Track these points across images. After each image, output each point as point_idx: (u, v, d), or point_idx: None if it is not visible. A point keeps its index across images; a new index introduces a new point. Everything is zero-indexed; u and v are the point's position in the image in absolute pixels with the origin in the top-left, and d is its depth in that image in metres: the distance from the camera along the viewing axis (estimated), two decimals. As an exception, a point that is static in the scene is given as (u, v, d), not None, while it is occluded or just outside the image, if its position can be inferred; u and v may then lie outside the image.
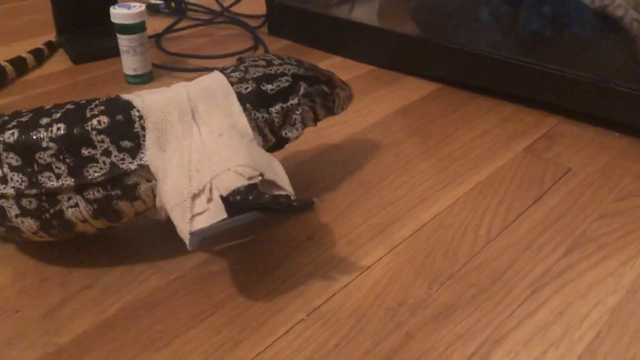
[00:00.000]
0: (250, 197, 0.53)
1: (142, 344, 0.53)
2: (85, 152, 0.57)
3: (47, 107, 0.61)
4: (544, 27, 0.94)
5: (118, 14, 0.98)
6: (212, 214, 0.53)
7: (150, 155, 0.57)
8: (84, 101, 0.60)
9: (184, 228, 0.53)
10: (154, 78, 1.05)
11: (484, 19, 1.00)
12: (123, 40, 1.00)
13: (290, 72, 0.66)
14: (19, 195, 0.57)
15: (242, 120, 0.61)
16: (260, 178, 0.55)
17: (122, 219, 0.60)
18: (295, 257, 0.63)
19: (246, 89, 0.63)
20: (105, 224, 0.60)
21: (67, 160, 0.57)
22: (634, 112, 0.83)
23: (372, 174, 0.78)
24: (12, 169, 0.57)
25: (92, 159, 0.57)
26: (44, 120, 0.57)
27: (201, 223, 0.52)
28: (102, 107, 0.58)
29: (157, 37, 1.21)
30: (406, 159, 0.81)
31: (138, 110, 0.58)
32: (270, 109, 0.64)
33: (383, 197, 0.73)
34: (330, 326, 0.55)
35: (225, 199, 0.53)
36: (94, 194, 0.57)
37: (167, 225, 0.64)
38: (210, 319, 0.56)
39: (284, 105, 0.65)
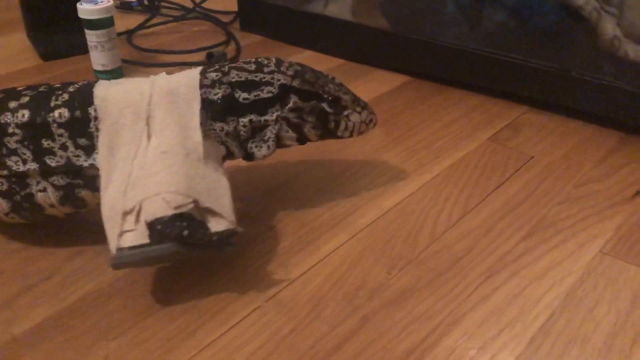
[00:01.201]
0: (167, 230, 0.51)
1: (99, 332, 0.53)
2: (45, 143, 0.58)
3: (20, 88, 0.61)
4: (508, 18, 0.95)
5: (85, 9, 0.97)
6: (137, 236, 0.52)
7: (100, 158, 0.57)
8: (58, 85, 0.60)
9: (113, 242, 0.53)
10: (125, 74, 1.05)
11: (451, 11, 1.01)
12: (91, 36, 1.00)
13: (279, 83, 0.61)
14: None
15: (196, 136, 0.57)
16: (191, 206, 0.53)
17: (87, 206, 0.60)
18: (255, 246, 0.64)
19: (216, 94, 0.59)
20: (71, 210, 0.60)
21: (31, 147, 0.57)
22: (596, 100, 0.84)
23: (337, 165, 0.78)
24: None
25: (51, 151, 0.58)
26: (12, 104, 0.58)
27: (128, 241, 0.52)
28: (67, 97, 0.58)
29: (129, 34, 1.21)
30: (371, 149, 0.82)
31: (95, 110, 0.58)
32: (239, 120, 0.60)
33: (346, 187, 0.74)
34: (287, 312, 0.55)
35: (149, 226, 0.52)
36: (59, 180, 0.58)
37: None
38: (168, 308, 0.56)
39: (255, 119, 0.61)
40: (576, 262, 0.61)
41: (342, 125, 0.65)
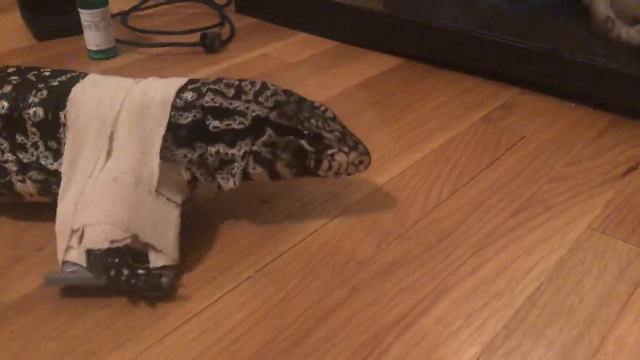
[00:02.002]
0: (97, 264, 0.51)
1: (88, 301, 0.54)
2: (18, 138, 0.58)
3: (10, 70, 0.61)
4: (501, 0, 0.95)
5: (79, -13, 0.97)
6: (79, 256, 0.53)
7: (64, 166, 0.57)
8: (46, 74, 0.60)
9: (60, 254, 0.54)
10: (119, 54, 1.05)
11: (445, -7, 1.01)
12: (84, 15, 1.00)
13: (253, 114, 0.56)
14: None
15: (153, 164, 0.55)
16: (128, 241, 0.52)
17: None
18: (248, 219, 0.64)
19: (186, 118, 0.56)
20: (51, 200, 0.60)
21: (8, 139, 0.58)
22: (588, 82, 0.84)
23: (329, 142, 0.78)
24: None
25: (23, 147, 0.58)
26: None
27: (72, 257, 0.53)
28: (45, 94, 0.58)
29: (124, 15, 1.21)
30: (364, 128, 0.82)
31: (65, 116, 0.57)
32: (208, 148, 0.57)
33: (338, 163, 0.74)
34: (277, 282, 0.56)
35: (87, 253, 0.52)
36: (36, 175, 0.59)
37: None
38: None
39: (222, 151, 0.57)
40: (565, 237, 0.62)
41: (325, 164, 0.58)
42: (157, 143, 0.56)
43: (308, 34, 1.15)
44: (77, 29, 1.08)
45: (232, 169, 0.58)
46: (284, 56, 1.05)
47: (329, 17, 1.10)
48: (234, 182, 0.58)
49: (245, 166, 0.58)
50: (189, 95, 0.57)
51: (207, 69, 1.00)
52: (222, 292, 0.55)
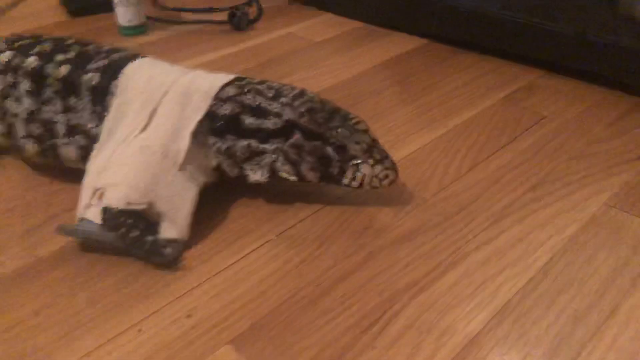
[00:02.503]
0: (110, 222, 0.54)
1: (118, 257, 0.56)
2: (71, 100, 0.62)
3: (71, 41, 0.65)
4: (527, -18, 0.95)
5: (111, -36, 1.00)
6: (96, 214, 0.55)
7: (103, 131, 0.60)
8: (104, 48, 0.64)
9: (80, 209, 0.56)
10: (148, 30, 1.07)
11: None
12: (116, -9, 1.02)
13: (286, 118, 0.59)
14: (28, 118, 0.62)
15: (183, 143, 0.58)
16: (143, 207, 0.54)
17: None
18: (269, 188, 0.66)
19: (225, 110, 0.59)
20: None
21: (62, 101, 0.62)
22: (612, 64, 0.84)
23: (351, 117, 0.80)
24: (26, 93, 0.62)
25: (75, 109, 0.62)
26: (59, 57, 0.63)
27: (89, 214, 0.56)
28: (104, 64, 0.62)
29: (154, -6, 1.23)
30: (385, 106, 0.83)
31: (116, 86, 0.61)
32: (238, 142, 0.60)
33: (360, 138, 0.75)
34: (296, 246, 0.58)
35: (103, 210, 0.55)
36: (81, 140, 0.62)
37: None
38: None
39: (253, 145, 0.60)
40: (581, 212, 0.63)
41: (349, 173, 0.60)
42: (192, 126, 0.59)
43: (334, 14, 1.16)
44: (108, 6, 1.10)
45: (262, 159, 0.60)
46: (309, 35, 1.07)
47: (354, -3, 1.11)
48: (262, 173, 0.60)
49: (274, 160, 0.60)
50: (231, 90, 0.60)
51: (234, 47, 1.02)
52: (244, 253, 0.57)
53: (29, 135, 0.63)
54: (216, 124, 0.60)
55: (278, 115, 0.59)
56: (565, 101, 0.84)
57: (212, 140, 0.60)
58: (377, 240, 0.59)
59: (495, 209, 0.63)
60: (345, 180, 0.60)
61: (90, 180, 0.58)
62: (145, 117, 0.59)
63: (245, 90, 0.60)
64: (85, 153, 0.62)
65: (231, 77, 0.62)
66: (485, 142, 0.74)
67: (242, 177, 0.61)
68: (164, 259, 0.54)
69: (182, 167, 0.58)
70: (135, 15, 1.04)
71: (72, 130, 0.62)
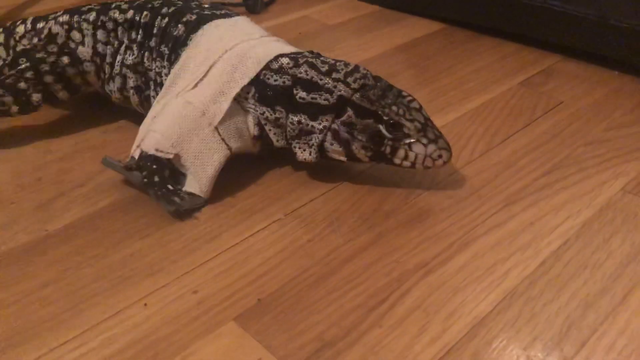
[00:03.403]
0: (138, 163, 0.58)
1: (127, 233, 0.56)
2: (162, 48, 0.66)
3: None
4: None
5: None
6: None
7: (168, 79, 0.63)
8: (206, 5, 0.68)
9: (132, 148, 0.60)
10: (163, 12, 1.07)
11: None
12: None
13: (338, 94, 0.58)
14: (135, 68, 0.68)
15: (223, 105, 0.59)
16: (170, 156, 0.57)
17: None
18: (280, 168, 0.66)
19: (275, 81, 0.60)
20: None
21: (157, 50, 0.66)
22: (634, 49, 0.82)
23: (364, 100, 0.79)
24: (139, 44, 0.68)
25: (162, 55, 0.66)
26: (164, 10, 0.67)
27: (135, 154, 0.59)
28: (193, 18, 0.65)
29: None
30: (400, 88, 0.82)
31: (191, 39, 0.63)
32: (289, 115, 0.60)
33: (373, 120, 0.75)
34: (305, 225, 0.57)
35: (140, 153, 0.58)
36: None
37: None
38: (192, 215, 0.59)
39: (304, 121, 0.59)
40: (596, 197, 0.61)
41: (401, 153, 0.58)
42: (235, 90, 0.60)
43: (350, -2, 1.15)
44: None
45: (310, 139, 0.60)
46: (324, 19, 1.06)
47: (371, -19, 1.10)
48: (310, 152, 0.60)
49: (322, 140, 0.59)
50: (285, 61, 0.60)
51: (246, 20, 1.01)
52: (252, 232, 0.57)
53: (135, 87, 0.68)
54: (266, 93, 0.60)
55: (329, 91, 0.58)
56: (583, 87, 0.83)
57: (259, 108, 0.61)
58: (387, 222, 0.58)
59: (507, 193, 0.62)
60: (397, 160, 0.59)
61: (146, 123, 0.61)
62: (200, 74, 0.61)
63: (300, 62, 0.60)
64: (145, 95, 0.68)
65: (290, 48, 0.63)
66: (500, 127, 0.73)
67: (288, 151, 0.62)
68: (177, 209, 0.57)
69: (218, 128, 0.59)
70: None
71: (158, 79, 0.66)
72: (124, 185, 0.62)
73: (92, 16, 0.69)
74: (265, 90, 0.60)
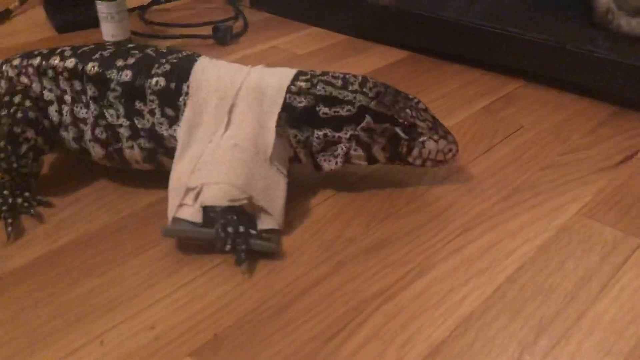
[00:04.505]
0: (218, 220, 0.55)
1: (85, 270, 0.56)
2: (137, 105, 0.62)
3: (131, 45, 0.66)
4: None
5: (96, -20, 1.01)
6: (193, 213, 0.57)
7: (180, 131, 0.61)
8: (164, 51, 0.65)
9: (172, 210, 0.58)
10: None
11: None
12: (101, 7, 1.03)
13: (359, 104, 0.62)
14: (94, 123, 0.63)
15: (269, 137, 0.60)
16: (244, 202, 0.56)
17: (165, 169, 0.64)
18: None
19: (299, 103, 0.62)
20: (153, 168, 0.66)
21: (125, 105, 0.62)
22: (590, 73, 0.85)
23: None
24: (91, 98, 0.63)
25: (140, 113, 0.62)
26: (119, 62, 0.63)
27: (184, 214, 0.57)
28: (168, 68, 0.62)
29: (142, 10, 1.24)
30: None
31: (188, 86, 0.62)
32: (314, 131, 0.63)
33: (336, 149, 0.76)
34: (264, 258, 0.57)
35: (204, 209, 0.56)
36: (144, 143, 0.63)
37: (121, 170, 0.67)
38: (154, 250, 0.59)
39: (329, 134, 0.63)
40: (552, 221, 0.62)
41: (416, 152, 0.63)
42: (273, 119, 0.61)
43: (319, 28, 1.17)
44: (94, 22, 1.11)
45: (336, 150, 0.64)
46: (293, 48, 1.08)
47: (339, 11, 1.12)
48: (336, 162, 0.64)
49: (348, 148, 0.63)
50: (302, 84, 0.63)
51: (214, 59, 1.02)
52: (213, 264, 0.57)
53: (95, 139, 0.64)
54: (294, 116, 0.62)
55: (350, 102, 0.62)
56: (543, 111, 0.85)
57: (291, 132, 0.63)
58: (347, 250, 0.59)
59: (465, 219, 0.63)
60: (411, 159, 0.64)
61: (181, 180, 0.59)
62: (224, 115, 0.61)
63: (315, 82, 0.63)
64: (151, 153, 0.64)
65: (294, 70, 0.64)
66: (460, 152, 0.74)
67: (315, 166, 0.65)
68: (271, 248, 0.57)
69: (271, 160, 0.60)
70: (119, 30, 1.05)
71: (138, 133, 0.63)
72: (85, 222, 0.63)
73: (36, 61, 0.65)
74: (293, 113, 0.62)
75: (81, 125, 0.64)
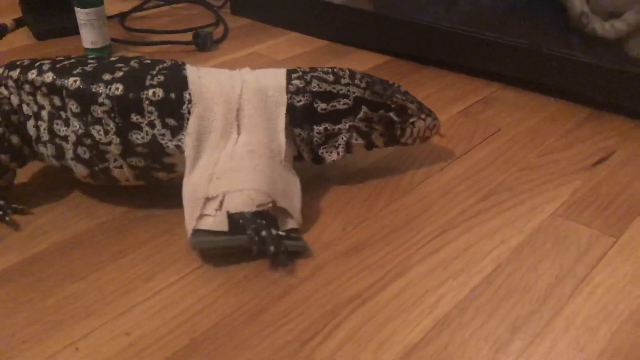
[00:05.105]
0: (248, 225, 0.55)
1: (62, 276, 0.56)
2: (133, 118, 0.60)
3: (113, 58, 0.64)
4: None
5: (74, -13, 1.00)
6: (216, 222, 0.56)
7: (187, 140, 0.59)
8: (149, 61, 0.63)
9: (190, 223, 0.56)
10: (113, 52, 1.08)
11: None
12: (80, 14, 1.03)
13: (354, 95, 0.65)
14: (76, 142, 0.61)
15: (280, 138, 0.61)
16: (270, 205, 0.57)
17: (160, 183, 0.64)
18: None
19: (299, 102, 0.63)
20: (145, 183, 0.64)
21: (117, 120, 0.60)
22: (566, 76, 0.86)
23: (308, 133, 0.80)
24: (73, 115, 0.60)
25: (138, 126, 0.60)
26: (106, 76, 0.60)
27: (206, 225, 0.56)
28: (162, 78, 0.61)
29: (122, 17, 1.24)
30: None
31: (189, 93, 0.60)
32: (314, 127, 0.64)
33: (315, 153, 0.76)
34: (241, 262, 0.58)
35: (230, 217, 0.56)
36: (137, 162, 0.61)
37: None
38: (131, 256, 0.59)
39: (330, 127, 0.64)
40: (528, 222, 0.63)
41: (407, 132, 0.67)
42: (282, 121, 0.62)
43: (299, 33, 1.17)
44: (74, 29, 1.11)
45: (337, 141, 0.66)
46: (273, 54, 1.08)
47: (320, 16, 1.12)
48: (338, 153, 0.66)
49: (349, 138, 0.66)
50: (298, 82, 0.64)
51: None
52: (190, 269, 0.57)
53: (77, 158, 0.62)
54: (296, 115, 0.63)
55: (345, 95, 0.64)
56: (521, 114, 0.85)
57: (296, 131, 0.63)
58: (324, 253, 0.59)
59: (443, 221, 0.63)
60: (404, 139, 0.68)
61: (198, 191, 0.57)
62: (233, 120, 0.61)
63: (308, 79, 0.64)
64: (144, 171, 0.62)
65: (283, 69, 0.65)
66: (438, 155, 0.75)
67: (318, 160, 0.66)
68: (302, 247, 0.58)
69: (284, 162, 0.61)
70: (99, 37, 1.05)
71: (131, 149, 0.60)
72: (60, 229, 0.62)
73: (16, 73, 0.63)
74: (295, 112, 0.63)
75: (62, 142, 0.61)
